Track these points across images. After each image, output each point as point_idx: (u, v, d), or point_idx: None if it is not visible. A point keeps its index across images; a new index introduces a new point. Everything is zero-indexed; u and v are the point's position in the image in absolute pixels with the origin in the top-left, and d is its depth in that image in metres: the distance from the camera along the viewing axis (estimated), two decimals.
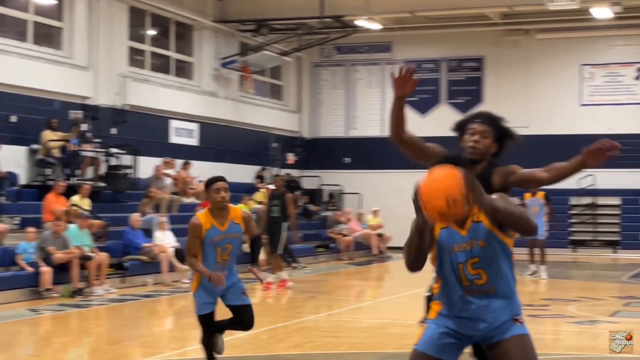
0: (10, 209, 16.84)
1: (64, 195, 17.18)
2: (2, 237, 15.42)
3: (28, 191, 18.17)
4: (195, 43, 24.97)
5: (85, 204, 17.49)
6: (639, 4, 24.70)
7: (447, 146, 5.34)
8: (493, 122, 5.28)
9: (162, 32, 24.18)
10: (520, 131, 5.68)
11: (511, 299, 4.64)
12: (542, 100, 27.75)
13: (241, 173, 25.73)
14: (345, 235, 24.98)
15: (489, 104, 27.04)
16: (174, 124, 23.73)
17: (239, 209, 7.81)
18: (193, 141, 24.46)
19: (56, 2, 20.39)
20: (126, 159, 20.13)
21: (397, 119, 5.33)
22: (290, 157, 29.05)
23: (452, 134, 5.37)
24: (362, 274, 21.68)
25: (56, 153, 18.61)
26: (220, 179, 7.58)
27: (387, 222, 25.41)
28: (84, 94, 20.38)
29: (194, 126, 24.53)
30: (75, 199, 17.34)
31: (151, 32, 23.65)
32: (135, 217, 17.68)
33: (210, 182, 7.61)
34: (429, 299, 7.69)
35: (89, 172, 19.30)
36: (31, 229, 15.44)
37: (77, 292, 15.04)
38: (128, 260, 17.16)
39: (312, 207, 26.96)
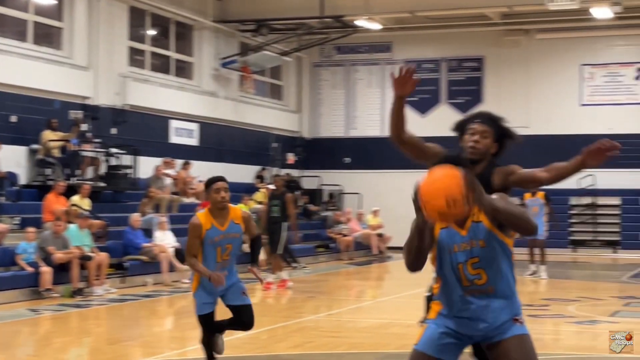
0: (10, 209, 16.84)
1: (64, 195, 17.18)
2: (2, 237, 15.42)
3: (28, 191, 18.17)
4: (195, 43, 24.97)
5: (85, 204, 17.49)
6: (639, 4, 24.70)
7: (447, 146, 5.34)
8: (493, 122, 5.28)
9: (162, 32, 24.18)
10: (520, 131, 5.68)
11: (511, 299, 4.64)
12: (542, 100, 27.75)
13: (241, 173, 25.73)
14: (345, 235, 24.98)
15: (488, 104, 27.04)
16: (174, 124, 23.73)
17: (239, 209, 7.81)
18: (193, 141, 24.46)
19: (56, 2, 20.39)
20: (126, 159, 20.13)
21: (397, 119, 5.33)
22: (290, 157, 29.05)
23: (452, 134, 5.37)
24: (362, 274, 21.68)
25: (56, 153, 18.61)
26: (220, 179, 7.58)
27: (387, 222, 25.42)
28: (84, 94, 20.38)
29: (194, 126, 24.53)
30: (75, 199, 17.34)
31: (151, 32, 23.65)
32: (135, 217, 17.68)
33: (210, 182, 7.61)
34: (429, 299, 7.69)
35: (89, 172, 19.30)
36: (31, 229, 15.44)
37: (77, 292, 15.04)
38: (128, 260, 17.15)
39: (312, 207, 26.96)
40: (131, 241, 17.40)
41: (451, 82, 28.90)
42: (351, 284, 19.71)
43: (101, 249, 16.27)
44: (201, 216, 7.55)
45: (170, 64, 24.17)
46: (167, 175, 21.36)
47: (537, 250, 18.71)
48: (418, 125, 24.06)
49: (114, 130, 21.21)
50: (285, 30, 26.66)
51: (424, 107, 28.29)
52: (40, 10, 19.94)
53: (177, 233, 18.02)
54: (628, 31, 26.74)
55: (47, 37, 20.26)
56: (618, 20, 25.19)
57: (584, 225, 27.45)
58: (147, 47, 23.24)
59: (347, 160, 29.52)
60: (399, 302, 15.30)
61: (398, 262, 23.12)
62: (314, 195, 27.95)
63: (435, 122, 25.86)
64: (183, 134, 24.08)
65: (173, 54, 24.26)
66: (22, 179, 18.52)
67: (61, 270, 15.02)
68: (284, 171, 27.05)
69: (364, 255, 25.14)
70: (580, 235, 27.38)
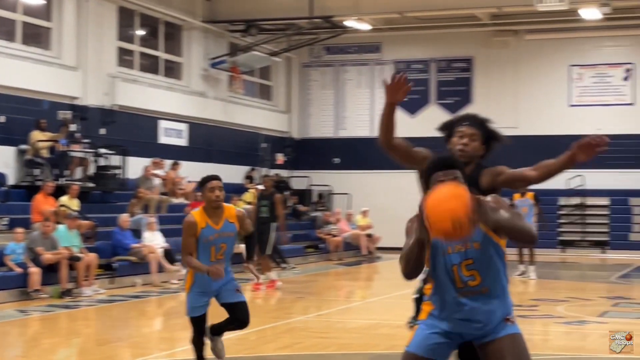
0: None
1: (52, 195, 17.14)
2: None
3: (16, 191, 18.12)
4: (184, 43, 24.93)
5: (74, 204, 17.45)
6: (628, 5, 24.79)
7: (436, 147, 5.34)
8: (481, 124, 5.31)
9: (151, 32, 24.14)
10: (509, 132, 5.71)
11: (504, 300, 4.65)
12: (531, 100, 27.80)
13: (230, 173, 25.64)
14: (334, 236, 24.98)
15: (478, 105, 27.09)
16: (163, 124, 23.69)
17: (233, 208, 7.80)
18: (182, 141, 24.43)
19: (45, 2, 20.33)
20: (115, 160, 20.10)
21: (387, 125, 5.32)
22: (280, 158, 29.05)
23: (441, 134, 5.39)
24: (351, 275, 21.69)
25: (45, 153, 18.57)
26: (215, 177, 7.59)
27: (377, 223, 25.45)
28: (72, 94, 20.32)
29: (183, 126, 24.50)
30: (64, 199, 17.31)
31: (140, 32, 23.60)
32: (124, 218, 17.64)
33: (204, 181, 7.60)
34: (419, 301, 7.69)
35: (78, 173, 19.26)
36: (20, 230, 15.38)
37: (66, 293, 15.00)
38: (117, 260, 17.12)
39: (301, 208, 26.95)
40: (120, 242, 17.36)
41: (440, 82, 28.93)
42: (340, 285, 19.72)
43: (90, 250, 16.24)
44: (196, 214, 7.55)
45: (159, 64, 24.12)
46: (156, 175, 21.33)
47: (526, 251, 18.70)
48: (407, 125, 24.12)
49: (102, 131, 21.17)
50: (275, 31, 26.65)
51: (413, 107, 28.30)
52: (29, 10, 19.88)
53: (166, 234, 17.99)
54: (617, 32, 26.82)
55: (36, 37, 20.20)
56: (607, 21, 25.26)
57: (573, 226, 27.52)
58: (136, 48, 23.19)
59: (337, 160, 29.51)
60: (388, 302, 15.31)
61: (387, 263, 23.14)
62: (303, 195, 27.95)
63: (425, 123, 25.83)
64: (172, 135, 24.05)
65: (162, 54, 24.22)
66: (11, 180, 18.46)
67: (50, 271, 14.99)
68: (273, 171, 27.03)
69: (353, 256, 25.15)
70: (569, 236, 27.45)
